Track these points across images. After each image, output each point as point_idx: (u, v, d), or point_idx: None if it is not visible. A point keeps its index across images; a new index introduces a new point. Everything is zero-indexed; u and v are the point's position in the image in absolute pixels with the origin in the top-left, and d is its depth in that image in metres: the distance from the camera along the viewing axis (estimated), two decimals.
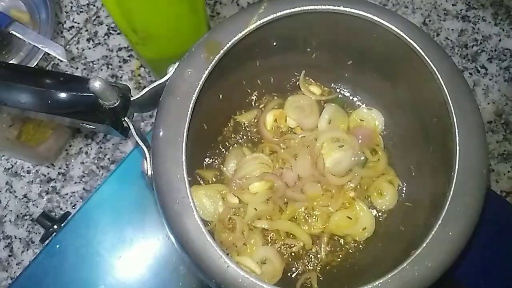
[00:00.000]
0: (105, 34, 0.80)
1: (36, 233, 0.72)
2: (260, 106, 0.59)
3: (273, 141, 0.56)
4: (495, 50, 0.79)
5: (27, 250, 0.71)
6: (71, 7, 0.82)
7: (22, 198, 0.73)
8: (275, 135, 0.57)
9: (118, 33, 0.80)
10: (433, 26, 0.80)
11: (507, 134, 0.75)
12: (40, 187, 0.74)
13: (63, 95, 0.44)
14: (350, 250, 0.54)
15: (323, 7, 0.45)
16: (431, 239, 0.40)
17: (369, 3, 0.46)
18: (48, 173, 0.74)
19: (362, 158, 0.55)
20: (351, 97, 0.59)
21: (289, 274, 0.53)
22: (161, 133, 0.42)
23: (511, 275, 0.58)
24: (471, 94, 0.44)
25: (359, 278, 0.50)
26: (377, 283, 0.38)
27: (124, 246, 0.59)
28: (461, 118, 0.42)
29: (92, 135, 0.76)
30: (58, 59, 0.71)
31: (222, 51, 0.44)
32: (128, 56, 0.79)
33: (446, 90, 0.43)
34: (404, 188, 0.55)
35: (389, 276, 0.39)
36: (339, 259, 0.54)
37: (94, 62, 0.79)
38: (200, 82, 0.43)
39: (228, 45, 0.44)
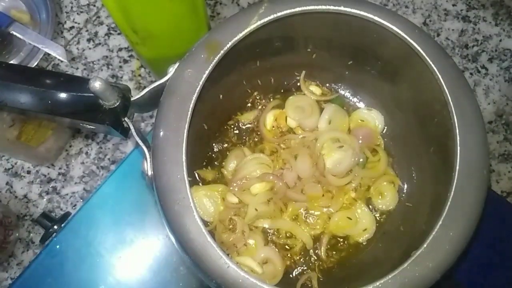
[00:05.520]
0: (105, 34, 0.80)
1: (36, 233, 0.72)
2: (260, 107, 0.59)
3: (273, 141, 0.56)
4: (496, 50, 0.79)
5: (27, 250, 0.71)
6: (72, 7, 0.82)
7: (22, 199, 0.73)
8: (275, 135, 0.57)
9: (119, 33, 0.80)
10: (433, 26, 0.80)
11: (508, 134, 0.75)
12: (40, 187, 0.74)
13: (63, 95, 0.44)
14: (351, 251, 0.54)
15: (323, 7, 0.45)
16: (431, 240, 0.39)
17: (369, 3, 0.46)
18: (48, 174, 0.74)
19: (362, 159, 0.55)
20: (351, 97, 0.59)
21: (289, 274, 0.53)
22: (161, 133, 0.42)
23: (511, 275, 0.59)
24: (472, 94, 0.44)
25: (360, 279, 0.50)
26: (377, 283, 0.38)
27: (124, 246, 0.59)
28: (462, 118, 0.42)
29: (92, 135, 0.76)
30: (59, 59, 0.71)
31: (222, 51, 0.44)
32: (129, 57, 0.79)
33: (446, 90, 0.43)
34: (405, 189, 0.55)
35: (390, 276, 0.39)
36: (339, 260, 0.53)
37: (94, 62, 0.79)
38: (201, 82, 0.43)
39: (228, 45, 0.44)
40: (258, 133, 0.58)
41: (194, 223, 0.39)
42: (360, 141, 0.55)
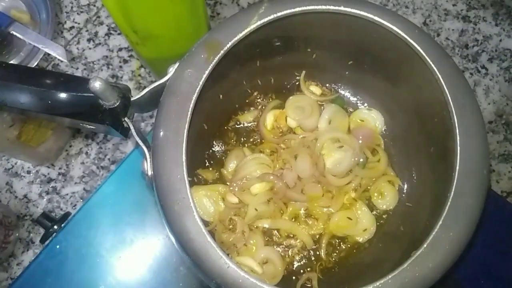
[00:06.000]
0: (105, 34, 0.80)
1: (36, 234, 0.72)
2: (260, 107, 0.59)
3: (273, 141, 0.56)
4: (496, 50, 0.79)
5: (27, 250, 0.71)
6: (72, 7, 0.82)
7: (22, 199, 0.73)
8: (275, 135, 0.57)
9: (119, 34, 0.80)
10: (433, 26, 0.80)
11: (508, 134, 0.75)
12: (40, 187, 0.74)
13: (63, 95, 0.44)
14: (351, 251, 0.54)
15: (323, 7, 0.45)
16: (431, 240, 0.39)
17: (369, 3, 0.46)
18: (48, 174, 0.74)
19: (362, 160, 0.55)
20: (351, 97, 0.59)
21: (289, 274, 0.53)
22: (161, 133, 0.42)
23: (511, 275, 0.59)
24: (472, 94, 0.44)
25: (360, 279, 0.50)
26: (377, 283, 0.38)
27: (124, 246, 0.59)
28: (462, 118, 0.42)
29: (92, 135, 0.76)
30: (59, 59, 0.71)
31: (222, 51, 0.44)
32: (129, 57, 0.79)
33: (446, 90, 0.43)
34: (405, 189, 0.55)
35: (390, 276, 0.39)
36: (339, 260, 0.53)
37: (94, 62, 0.79)
38: (201, 82, 0.43)
39: (228, 45, 0.44)
40: (258, 133, 0.58)
41: (194, 223, 0.39)
42: (360, 141, 0.55)
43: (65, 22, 0.81)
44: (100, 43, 0.80)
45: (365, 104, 0.59)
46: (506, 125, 0.75)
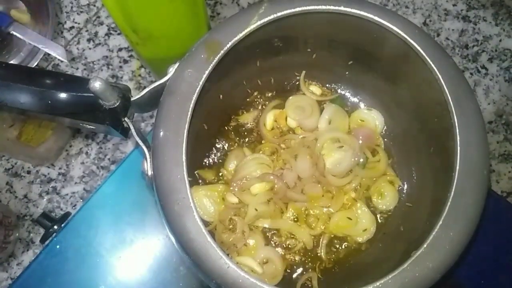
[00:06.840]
0: (105, 35, 0.80)
1: (36, 234, 0.72)
2: (260, 107, 0.59)
3: (273, 141, 0.56)
4: (496, 50, 0.79)
5: (27, 250, 0.71)
6: (72, 7, 0.82)
7: (23, 199, 0.73)
8: (275, 135, 0.57)
9: (119, 34, 0.80)
10: (433, 26, 0.80)
11: (508, 134, 0.75)
12: (40, 187, 0.74)
13: (63, 95, 0.44)
14: (351, 251, 0.54)
15: (323, 7, 0.45)
16: (431, 240, 0.39)
17: (369, 3, 0.46)
18: (48, 174, 0.74)
19: (362, 160, 0.55)
20: (351, 97, 0.59)
21: (289, 274, 0.53)
22: (161, 133, 0.42)
23: (511, 275, 0.58)
24: (472, 94, 0.44)
25: (360, 279, 0.50)
26: (377, 283, 0.38)
27: (124, 246, 0.59)
28: (462, 118, 0.42)
29: (92, 135, 0.76)
30: (59, 59, 0.71)
31: (222, 51, 0.44)
32: (129, 57, 0.79)
33: (446, 90, 0.43)
34: (405, 189, 0.55)
35: (390, 276, 0.39)
36: (339, 260, 0.53)
37: (94, 63, 0.79)
38: (201, 82, 0.43)
39: (228, 45, 0.44)
40: (258, 133, 0.58)
41: (194, 223, 0.39)
42: (360, 141, 0.55)
43: (65, 22, 0.81)
44: (100, 43, 0.80)
45: (365, 104, 0.59)
46: (506, 125, 0.75)
